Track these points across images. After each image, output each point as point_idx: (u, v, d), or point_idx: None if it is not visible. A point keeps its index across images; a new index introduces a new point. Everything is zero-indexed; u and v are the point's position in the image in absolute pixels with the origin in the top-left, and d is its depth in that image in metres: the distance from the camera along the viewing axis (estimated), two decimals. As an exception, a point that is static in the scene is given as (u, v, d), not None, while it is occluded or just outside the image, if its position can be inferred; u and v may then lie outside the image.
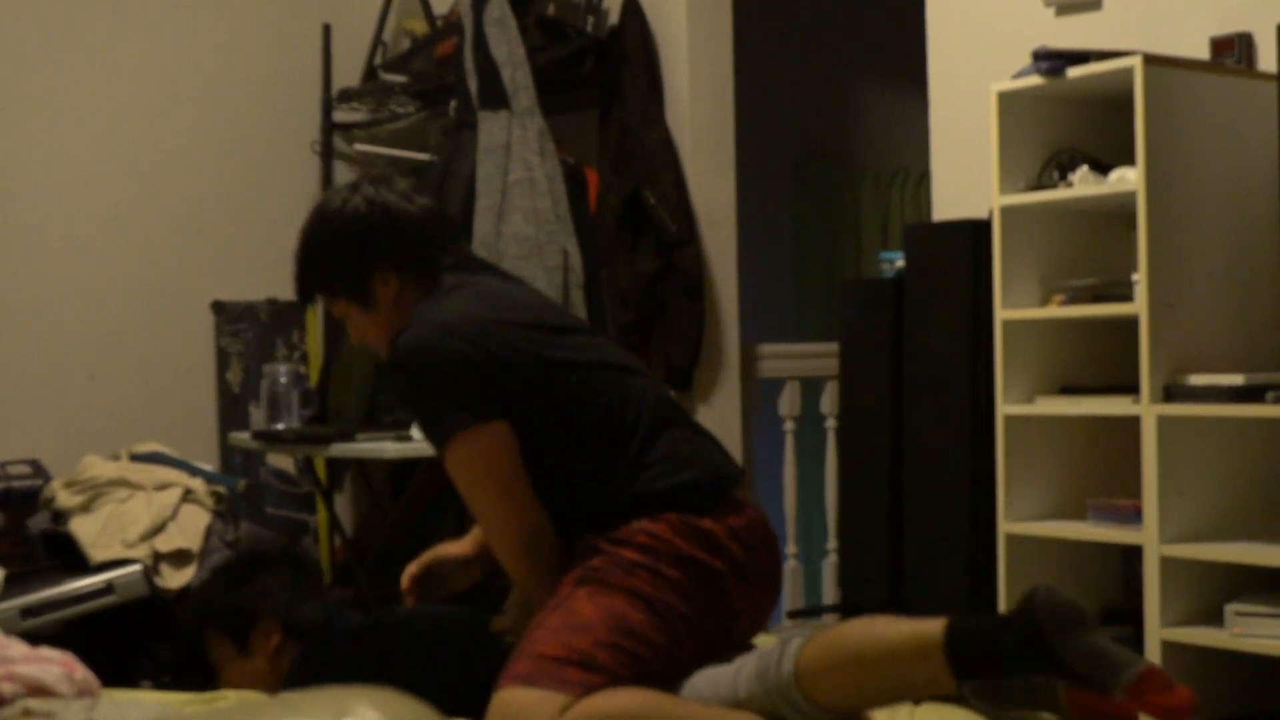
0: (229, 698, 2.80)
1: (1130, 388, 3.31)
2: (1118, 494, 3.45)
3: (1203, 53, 3.56)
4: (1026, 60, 3.55)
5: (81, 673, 2.66)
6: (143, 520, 3.81)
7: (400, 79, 5.07)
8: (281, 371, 4.62)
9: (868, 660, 2.30)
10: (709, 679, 2.44)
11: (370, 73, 5.19)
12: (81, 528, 3.81)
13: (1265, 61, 3.48)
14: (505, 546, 2.53)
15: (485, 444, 2.47)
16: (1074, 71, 3.42)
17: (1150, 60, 3.27)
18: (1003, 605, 3.52)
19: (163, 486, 3.95)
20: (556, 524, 2.54)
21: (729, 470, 2.62)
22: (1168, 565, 3.21)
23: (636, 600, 2.41)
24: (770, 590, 2.61)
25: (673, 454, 2.55)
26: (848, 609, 4.19)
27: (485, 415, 2.46)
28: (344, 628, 3.02)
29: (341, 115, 5.30)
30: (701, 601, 2.46)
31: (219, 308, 5.17)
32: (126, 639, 3.69)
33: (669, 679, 2.42)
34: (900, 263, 4.04)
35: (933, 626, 2.26)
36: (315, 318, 5.34)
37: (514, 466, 2.48)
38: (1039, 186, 3.57)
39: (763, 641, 2.63)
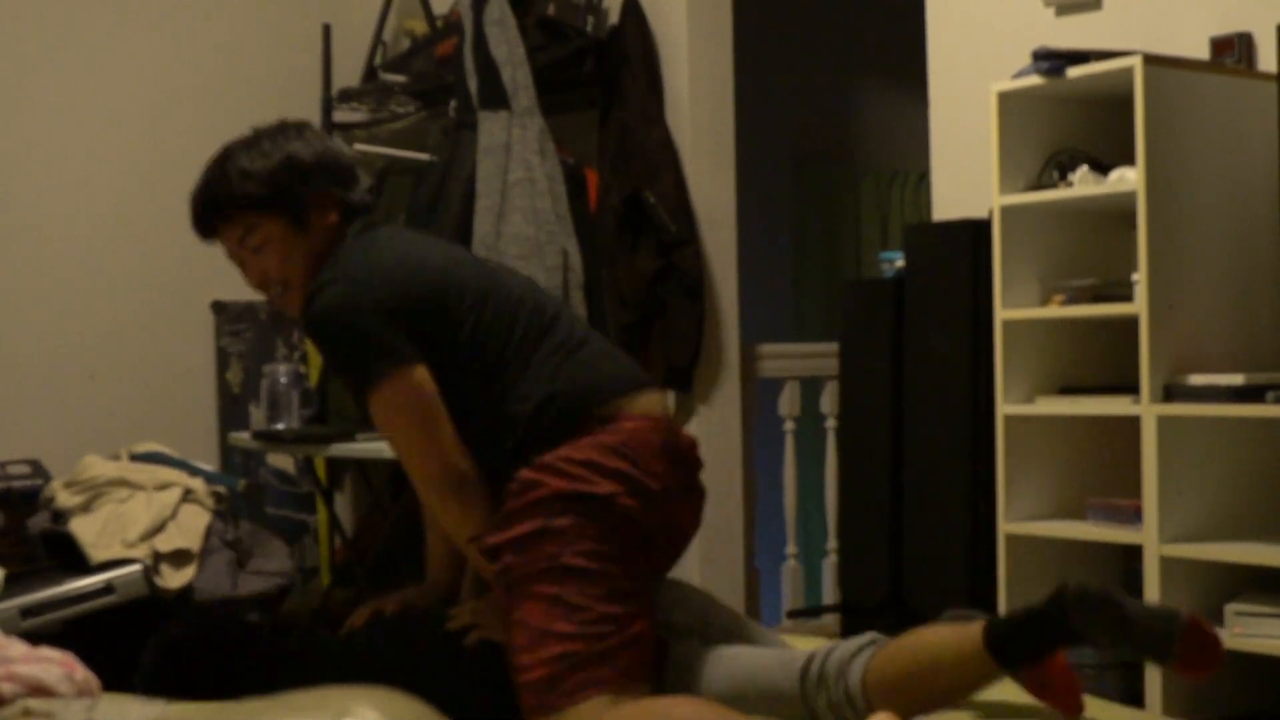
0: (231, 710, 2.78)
1: (1130, 388, 3.31)
2: (1118, 494, 3.45)
3: (1203, 53, 3.56)
4: (1026, 60, 3.55)
5: (81, 673, 2.65)
6: (143, 520, 3.81)
7: (400, 79, 5.07)
8: (281, 371, 4.62)
9: (921, 666, 2.41)
10: (747, 673, 2.49)
11: (370, 73, 5.19)
12: (81, 528, 3.80)
13: (1265, 61, 3.48)
14: (430, 486, 2.58)
15: (404, 387, 2.52)
16: (1074, 71, 3.42)
17: (1150, 60, 3.27)
18: (1003, 606, 3.52)
19: (163, 486, 3.95)
20: (479, 448, 2.57)
21: (594, 383, 2.60)
22: (1168, 565, 3.21)
23: (555, 575, 2.43)
24: (686, 495, 2.63)
25: (539, 378, 2.57)
26: (848, 609, 4.19)
27: (403, 359, 2.52)
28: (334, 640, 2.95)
29: (341, 115, 5.30)
30: (605, 530, 2.47)
31: (219, 308, 5.17)
32: (126, 639, 3.69)
33: (629, 604, 2.44)
34: (900, 263, 4.04)
35: (972, 627, 2.40)
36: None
37: (435, 405, 2.53)
38: (1039, 186, 3.57)
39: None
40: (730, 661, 2.53)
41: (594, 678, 2.37)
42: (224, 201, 2.70)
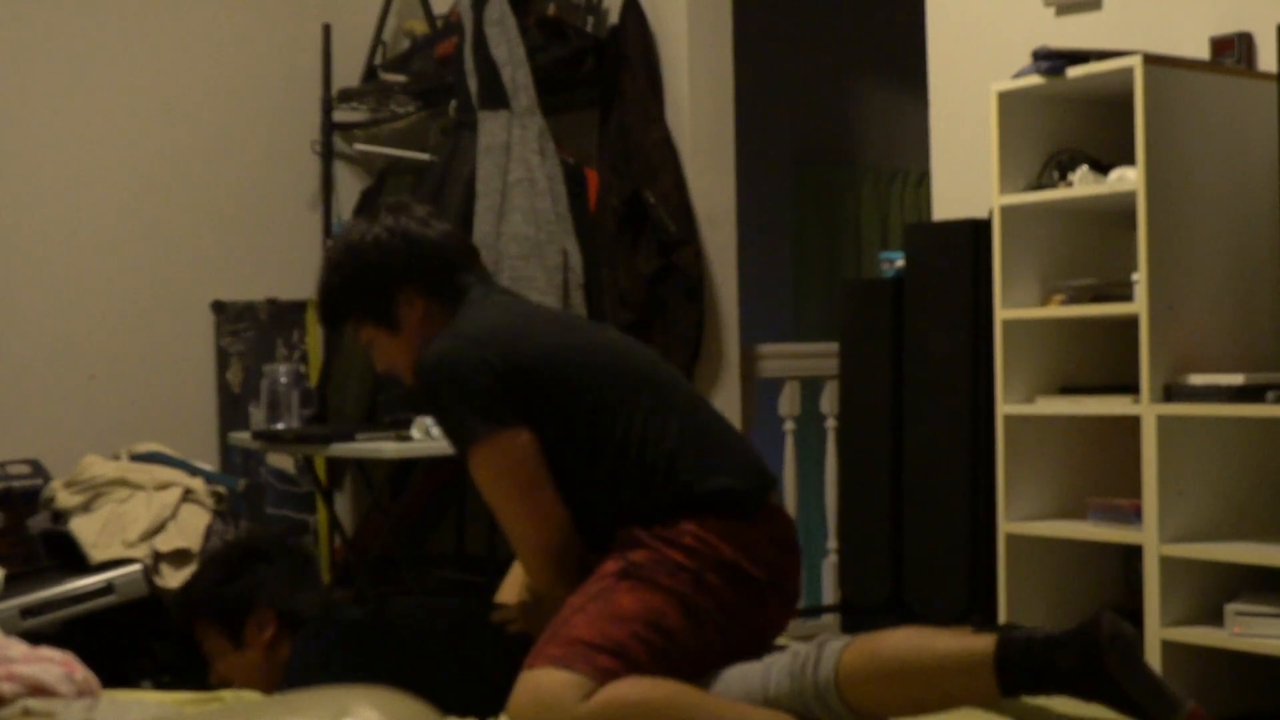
0: (226, 698, 2.79)
1: (1130, 388, 3.31)
2: (1118, 494, 3.45)
3: (1203, 53, 3.56)
4: (1026, 60, 3.55)
5: (81, 673, 2.65)
6: (142, 520, 3.81)
7: (400, 79, 5.07)
8: (281, 371, 4.63)
9: (912, 671, 2.34)
10: (738, 675, 2.47)
11: (370, 73, 5.19)
12: (81, 528, 3.81)
13: (1265, 61, 3.48)
14: (528, 551, 2.58)
15: (506, 450, 2.51)
16: (1074, 71, 3.42)
17: (1150, 60, 3.27)
18: (1002, 605, 3.52)
19: (163, 486, 3.95)
20: (595, 518, 2.57)
21: (766, 474, 2.64)
22: (1168, 565, 3.21)
23: (675, 601, 2.44)
24: (795, 597, 2.65)
25: (712, 451, 2.58)
26: (848, 609, 4.19)
27: (506, 422, 2.51)
28: (343, 620, 3.00)
29: (341, 115, 5.31)
30: (737, 609, 2.50)
31: (219, 308, 5.17)
32: (126, 639, 3.69)
33: (693, 678, 2.44)
34: (900, 263, 4.04)
35: (983, 642, 2.29)
36: (315, 318, 5.34)
37: (536, 472, 2.53)
38: (1039, 186, 3.56)
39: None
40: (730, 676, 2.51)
41: (619, 673, 2.37)
42: (322, 319, 2.87)
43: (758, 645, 2.56)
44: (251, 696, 2.82)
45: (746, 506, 2.55)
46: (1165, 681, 2.24)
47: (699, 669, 2.46)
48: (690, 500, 2.52)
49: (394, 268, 2.70)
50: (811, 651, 2.41)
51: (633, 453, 2.54)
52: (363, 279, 2.72)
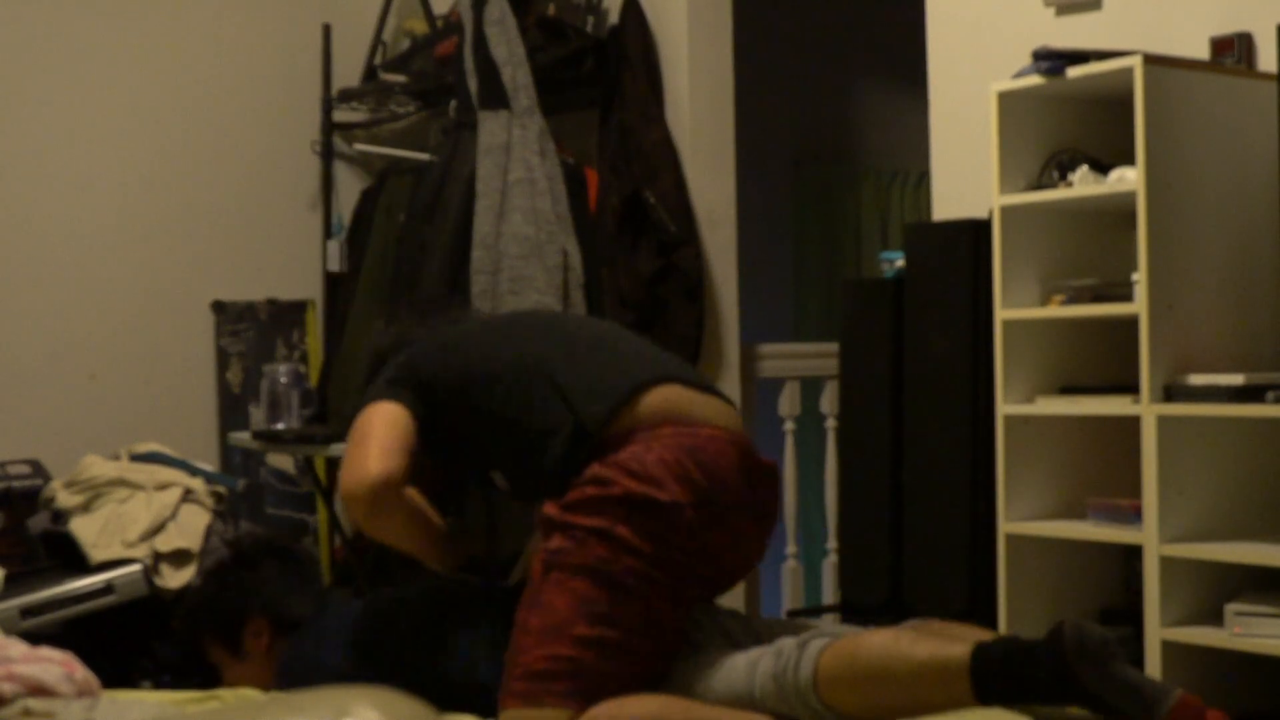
0: (226, 698, 2.79)
1: (1130, 388, 3.31)
2: (1118, 494, 3.45)
3: (1203, 53, 3.56)
4: (1026, 60, 3.55)
5: (81, 673, 2.65)
6: (143, 520, 3.81)
7: (400, 79, 5.07)
8: (281, 371, 4.62)
9: (890, 676, 2.31)
10: (723, 675, 2.44)
11: (370, 73, 5.19)
12: (81, 528, 3.81)
13: (1265, 61, 3.48)
14: (342, 491, 2.68)
15: (380, 409, 2.70)
16: (1074, 71, 3.42)
17: (1150, 60, 3.27)
18: (1002, 605, 3.52)
19: (163, 486, 3.95)
20: (534, 490, 2.62)
21: (642, 377, 2.64)
22: (1168, 565, 3.21)
23: (600, 579, 2.41)
24: (752, 505, 2.59)
25: (592, 381, 2.63)
26: (848, 609, 4.19)
27: (391, 396, 2.70)
28: (330, 623, 2.99)
29: (341, 115, 5.31)
30: (669, 550, 2.44)
31: (219, 308, 5.17)
32: (126, 639, 3.69)
33: (657, 641, 2.44)
34: (900, 263, 4.04)
35: (959, 651, 2.27)
36: (315, 318, 5.35)
37: (394, 431, 2.66)
38: (1039, 186, 3.56)
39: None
40: (715, 675, 2.49)
41: (585, 691, 2.37)
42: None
43: (724, 569, 2.56)
44: (252, 695, 2.82)
45: (631, 427, 2.54)
46: (1144, 679, 2.19)
47: (654, 630, 2.43)
48: (587, 443, 2.56)
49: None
50: (793, 653, 2.38)
51: (525, 421, 2.63)
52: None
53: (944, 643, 2.32)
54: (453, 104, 4.63)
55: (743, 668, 2.44)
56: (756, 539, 2.63)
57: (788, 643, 2.43)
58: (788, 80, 7.07)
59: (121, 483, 3.94)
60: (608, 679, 2.38)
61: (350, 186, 5.34)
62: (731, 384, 4.74)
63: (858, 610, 4.06)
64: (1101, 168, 3.48)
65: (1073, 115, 3.62)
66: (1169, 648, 3.19)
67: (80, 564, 3.72)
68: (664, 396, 2.61)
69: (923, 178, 6.97)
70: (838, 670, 2.33)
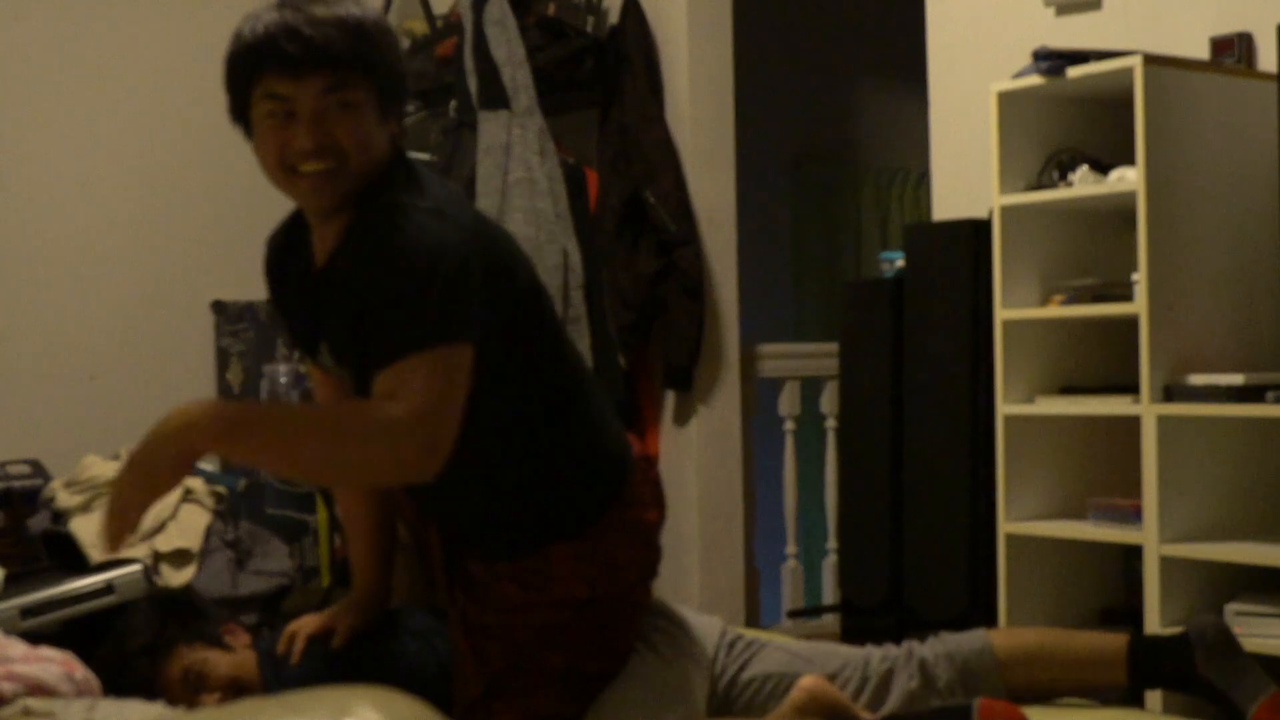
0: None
1: (1130, 388, 3.31)
2: (1118, 494, 3.45)
3: (1203, 53, 3.56)
4: (1026, 60, 3.55)
5: (81, 673, 2.65)
6: (142, 520, 3.81)
7: (400, 79, 5.06)
8: (281, 371, 4.62)
9: (1055, 660, 2.58)
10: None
11: (370, 73, 5.18)
12: (81, 528, 3.80)
13: (1265, 61, 3.48)
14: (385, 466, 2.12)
15: (448, 366, 2.08)
16: (1074, 71, 3.42)
17: (1150, 60, 3.27)
18: (1002, 605, 3.52)
19: (163, 486, 3.94)
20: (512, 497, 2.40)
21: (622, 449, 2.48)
22: (1168, 565, 3.21)
23: (553, 694, 2.40)
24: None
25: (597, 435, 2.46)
26: (848, 609, 4.19)
27: (463, 335, 2.11)
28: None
29: (341, 115, 5.30)
30: (612, 624, 2.44)
31: (219, 308, 5.17)
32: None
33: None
34: (900, 263, 4.04)
35: (1116, 641, 2.58)
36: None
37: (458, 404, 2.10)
38: (1039, 186, 3.56)
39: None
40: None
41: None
42: (340, 50, 2.26)
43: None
44: (251, 702, 2.81)
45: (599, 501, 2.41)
46: (1256, 670, 2.48)
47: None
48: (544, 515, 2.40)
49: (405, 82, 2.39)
50: (946, 644, 2.56)
51: (586, 435, 2.40)
52: (395, 58, 2.33)
53: (1096, 634, 2.68)
54: (453, 104, 4.63)
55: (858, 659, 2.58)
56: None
57: (891, 648, 2.59)
58: (788, 80, 7.07)
59: (121, 483, 3.94)
60: None
61: (350, 186, 5.33)
62: (731, 384, 4.74)
63: (858, 610, 4.06)
64: (1101, 168, 3.48)
65: (1073, 115, 3.62)
66: (1169, 648, 3.19)
67: (80, 564, 3.72)
68: None
69: (923, 178, 6.98)
70: (1013, 651, 2.56)
